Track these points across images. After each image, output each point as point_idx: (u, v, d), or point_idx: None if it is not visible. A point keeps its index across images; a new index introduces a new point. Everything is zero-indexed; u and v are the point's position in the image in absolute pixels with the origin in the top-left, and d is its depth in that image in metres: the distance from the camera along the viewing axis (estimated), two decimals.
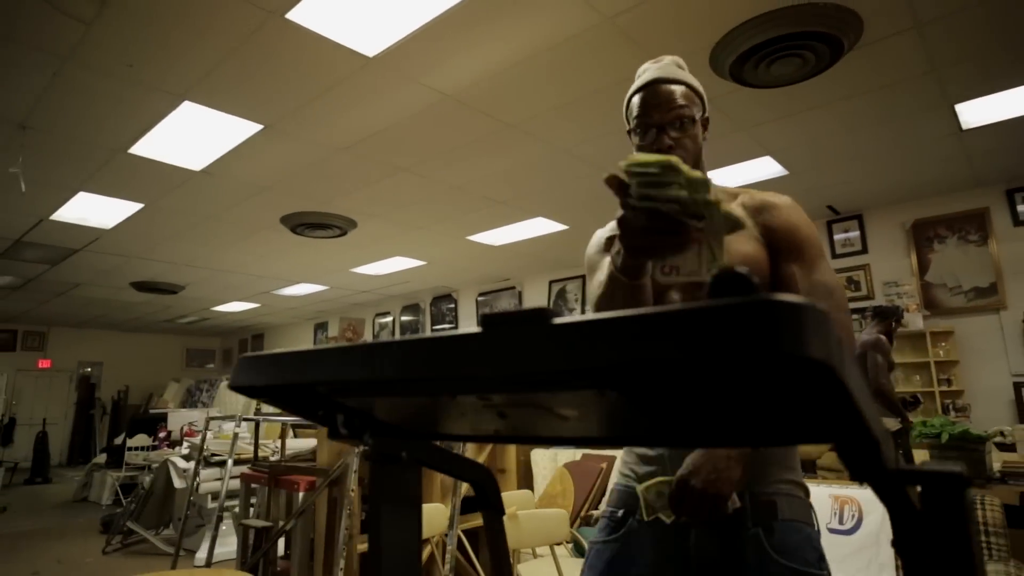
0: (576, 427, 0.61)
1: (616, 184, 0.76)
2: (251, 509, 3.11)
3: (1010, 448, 2.71)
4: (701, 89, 1.10)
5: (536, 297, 7.48)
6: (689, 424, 0.54)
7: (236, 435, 3.26)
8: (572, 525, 3.19)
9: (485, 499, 0.93)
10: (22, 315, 9.71)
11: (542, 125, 3.44)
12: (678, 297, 1.03)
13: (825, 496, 2.43)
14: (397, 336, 9.07)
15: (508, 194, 4.59)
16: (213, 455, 3.91)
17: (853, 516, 2.32)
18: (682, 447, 0.98)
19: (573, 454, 4.30)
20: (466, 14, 2.43)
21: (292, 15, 2.43)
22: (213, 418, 3.78)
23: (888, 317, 3.46)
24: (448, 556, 2.34)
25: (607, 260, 1.00)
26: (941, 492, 0.47)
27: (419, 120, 3.33)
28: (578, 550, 2.97)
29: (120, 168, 3.86)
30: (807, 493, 1.00)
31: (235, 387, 0.62)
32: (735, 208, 0.78)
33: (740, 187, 1.13)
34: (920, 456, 2.63)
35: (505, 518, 0.92)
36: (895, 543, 0.49)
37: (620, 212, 0.79)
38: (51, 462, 9.36)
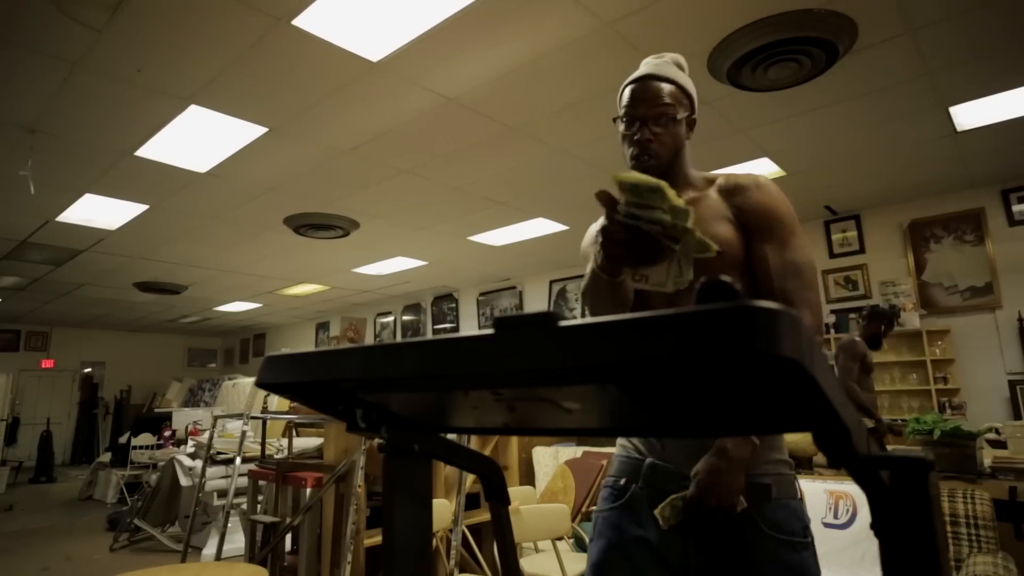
0: (579, 419, 0.66)
1: (605, 199, 0.84)
2: (258, 506, 3.17)
3: (1002, 445, 2.76)
4: (692, 91, 1.16)
5: (536, 297, 7.53)
6: (681, 416, 0.59)
7: (244, 433, 3.31)
8: (573, 520, 3.25)
9: (492, 490, 0.98)
10: (25, 315, 9.76)
11: (543, 127, 3.49)
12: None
13: (820, 491, 2.48)
14: (399, 336, 9.13)
15: (509, 195, 4.65)
16: (218, 453, 3.96)
17: (847, 511, 2.37)
18: (675, 437, 1.05)
19: (574, 451, 4.36)
20: (468, 20, 2.49)
21: (298, 21, 2.49)
22: (220, 416, 3.83)
23: (878, 320, 3.50)
24: (453, 551, 2.39)
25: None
26: (907, 475, 0.53)
27: (422, 123, 3.38)
28: (579, 545, 3.03)
29: (126, 170, 3.91)
30: (792, 468, 1.08)
31: (262, 384, 0.68)
32: (715, 225, 0.88)
33: (718, 172, 1.18)
34: None
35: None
36: (873, 526, 0.55)
37: (603, 221, 0.87)
38: (55, 461, 9.42)
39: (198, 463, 4.56)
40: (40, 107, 3.08)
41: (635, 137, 1.10)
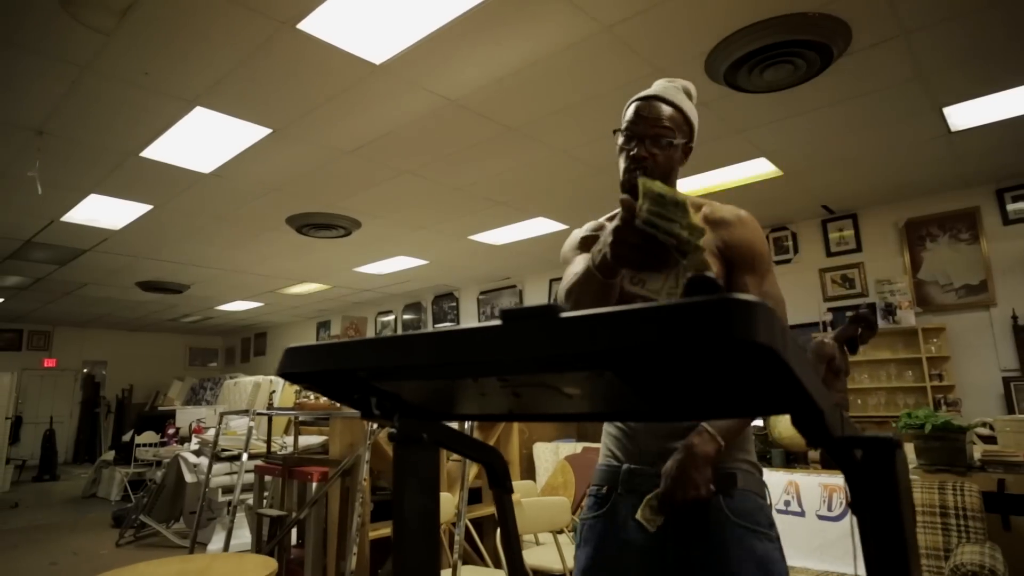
0: (579, 404, 0.72)
1: (628, 205, 0.88)
2: (264, 500, 3.22)
3: (995, 440, 2.82)
4: (694, 120, 1.20)
5: (536, 295, 7.58)
6: (671, 400, 0.64)
7: (251, 429, 3.37)
8: (573, 513, 3.30)
9: (495, 478, 1.03)
10: (27, 314, 9.81)
11: (543, 128, 3.54)
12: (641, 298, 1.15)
13: (815, 485, 2.54)
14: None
15: (509, 195, 4.70)
16: (223, 450, 4.02)
17: (841, 503, 2.43)
18: (666, 420, 1.12)
19: (574, 447, 4.42)
20: (470, 23, 2.54)
21: (303, 25, 2.53)
22: (226, 413, 3.88)
23: (855, 323, 3.51)
24: (457, 544, 2.45)
25: (580, 258, 1.17)
26: (876, 454, 0.58)
27: (423, 124, 3.43)
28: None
29: (131, 171, 3.96)
30: (760, 472, 1.16)
31: (282, 374, 0.73)
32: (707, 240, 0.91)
33: (702, 198, 1.24)
34: (906, 449, 2.73)
35: None
36: (851, 504, 0.60)
37: (617, 223, 0.91)
38: (58, 460, 9.48)
39: (202, 460, 4.62)
40: (48, 109, 3.13)
41: (631, 153, 1.15)
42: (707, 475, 1.05)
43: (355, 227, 5.38)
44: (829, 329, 5.13)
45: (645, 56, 2.81)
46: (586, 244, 1.25)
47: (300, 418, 3.34)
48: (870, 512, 0.56)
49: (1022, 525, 2.22)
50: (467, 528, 2.73)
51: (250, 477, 3.38)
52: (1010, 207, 4.57)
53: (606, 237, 0.95)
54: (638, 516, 1.10)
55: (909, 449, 2.69)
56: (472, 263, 7.00)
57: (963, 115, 3.48)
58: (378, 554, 2.76)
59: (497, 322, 0.48)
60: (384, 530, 2.70)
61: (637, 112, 1.17)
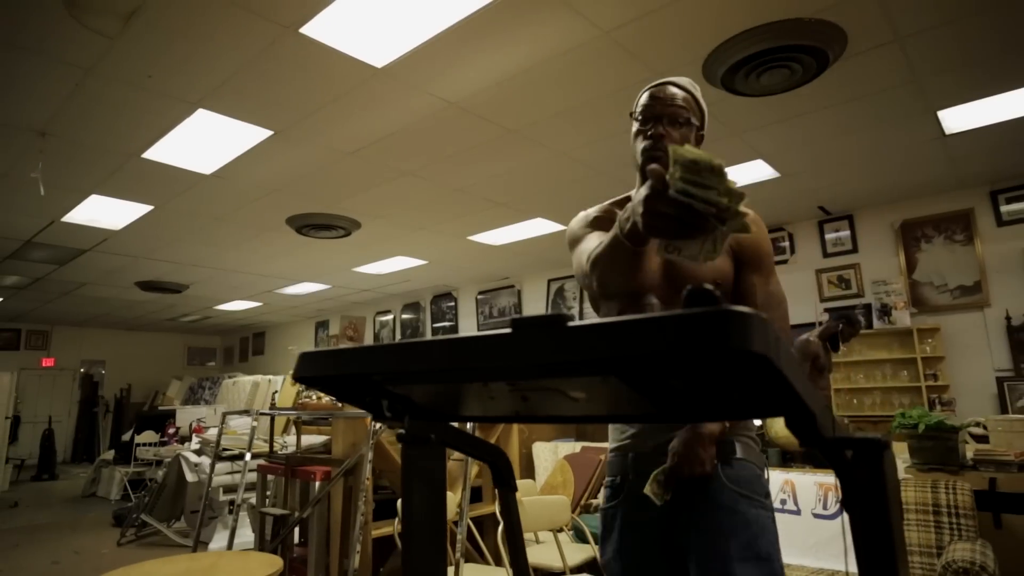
0: (583, 407, 0.75)
1: (658, 175, 0.82)
2: (266, 499, 3.25)
3: (986, 440, 2.86)
4: (704, 107, 1.26)
5: (535, 295, 7.61)
6: (672, 403, 0.68)
7: (254, 429, 3.39)
8: (573, 512, 3.34)
9: (499, 476, 1.07)
10: (26, 314, 9.81)
11: (542, 131, 3.58)
12: (660, 279, 1.18)
13: (811, 483, 2.58)
14: (398, 335, 9.20)
15: (508, 196, 4.73)
16: (225, 450, 4.04)
17: (836, 502, 2.47)
18: (667, 422, 1.17)
19: (572, 446, 4.45)
20: (471, 27, 2.56)
21: (305, 29, 2.56)
22: (228, 413, 3.91)
23: (837, 321, 3.54)
24: (459, 543, 2.48)
25: (595, 234, 1.21)
26: (866, 453, 0.62)
27: (424, 126, 3.46)
28: (579, 536, 3.12)
29: (133, 172, 3.98)
30: (759, 446, 1.22)
31: (298, 378, 0.76)
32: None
33: None
34: (899, 448, 2.78)
35: None
36: (843, 502, 0.63)
37: (647, 191, 0.84)
38: (56, 459, 9.48)
39: (203, 459, 4.64)
40: (52, 111, 3.15)
41: (649, 132, 1.19)
42: (712, 452, 1.11)
43: (355, 227, 5.41)
44: None
45: (643, 60, 2.84)
46: (599, 223, 1.26)
47: (304, 416, 3.36)
48: (860, 508, 0.60)
49: (1013, 523, 2.26)
50: (469, 526, 2.76)
51: (252, 476, 3.40)
52: (1004, 209, 4.62)
53: (636, 207, 0.89)
54: (646, 490, 1.15)
55: (903, 448, 2.73)
56: (471, 263, 7.03)
57: (957, 118, 3.52)
58: (380, 552, 2.80)
59: (507, 330, 0.51)
60: (386, 529, 2.74)
61: (652, 95, 1.22)
